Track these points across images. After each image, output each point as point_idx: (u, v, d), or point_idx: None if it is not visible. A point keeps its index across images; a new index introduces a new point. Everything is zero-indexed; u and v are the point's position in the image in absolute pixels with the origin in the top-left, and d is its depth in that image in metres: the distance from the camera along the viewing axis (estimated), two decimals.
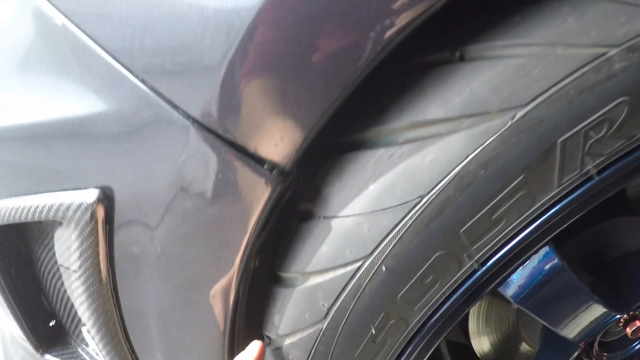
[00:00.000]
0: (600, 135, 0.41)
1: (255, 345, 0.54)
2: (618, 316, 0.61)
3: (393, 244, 0.43)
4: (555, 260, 0.51)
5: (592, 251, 0.68)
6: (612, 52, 0.39)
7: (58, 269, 0.61)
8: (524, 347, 0.80)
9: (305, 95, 0.41)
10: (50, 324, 0.73)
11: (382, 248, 0.44)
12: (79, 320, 0.66)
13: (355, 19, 0.38)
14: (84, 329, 0.67)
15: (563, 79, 0.39)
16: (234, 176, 0.44)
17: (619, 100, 0.40)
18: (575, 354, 0.64)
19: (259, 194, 0.44)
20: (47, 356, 0.69)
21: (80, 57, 0.47)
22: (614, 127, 0.41)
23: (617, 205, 0.71)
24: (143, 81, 0.44)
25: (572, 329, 0.59)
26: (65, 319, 0.67)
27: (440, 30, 0.43)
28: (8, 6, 0.53)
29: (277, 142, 0.43)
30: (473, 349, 0.81)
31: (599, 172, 0.43)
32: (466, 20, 0.43)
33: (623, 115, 0.41)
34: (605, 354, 0.70)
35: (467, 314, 0.77)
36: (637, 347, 0.72)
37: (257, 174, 0.44)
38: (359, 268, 0.45)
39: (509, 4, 0.41)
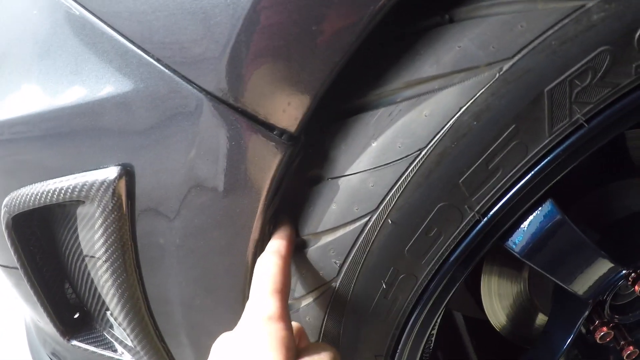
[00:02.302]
0: (586, 83, 0.46)
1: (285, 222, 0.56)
2: (624, 272, 0.64)
3: (397, 197, 0.48)
4: (557, 214, 0.56)
5: (599, 212, 0.73)
6: (590, 3, 0.44)
7: (82, 252, 0.66)
8: (541, 317, 0.84)
9: (307, 63, 0.46)
10: (75, 316, 0.78)
11: (387, 201, 0.48)
12: (103, 304, 0.72)
13: None
14: (108, 313, 0.72)
15: (545, 31, 0.44)
16: (246, 143, 0.49)
17: (600, 49, 0.45)
18: (586, 313, 0.68)
19: (271, 158, 0.49)
20: (74, 342, 0.74)
21: (98, 43, 0.53)
22: (598, 76, 0.46)
23: (621, 168, 0.75)
24: (158, 60, 0.49)
25: (580, 285, 0.63)
26: (90, 303, 0.72)
27: None
28: None
29: (285, 108, 0.48)
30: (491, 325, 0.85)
31: (587, 121, 0.48)
32: None
33: (606, 64, 0.45)
34: (617, 316, 0.74)
35: (480, 291, 0.82)
36: None
37: (268, 139, 0.49)
38: (366, 223, 0.50)
39: None
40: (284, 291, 0.49)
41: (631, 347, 0.73)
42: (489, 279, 0.80)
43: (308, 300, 0.57)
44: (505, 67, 0.45)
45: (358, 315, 0.56)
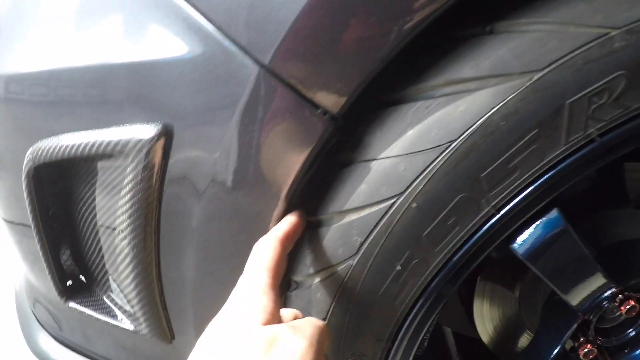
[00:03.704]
0: (602, 101, 0.55)
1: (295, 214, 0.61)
2: (613, 290, 0.74)
3: (424, 182, 0.56)
4: (561, 224, 0.65)
5: (594, 236, 0.82)
6: (614, 32, 0.53)
7: (98, 211, 0.72)
8: (527, 335, 0.92)
9: (360, 51, 0.55)
10: (68, 283, 0.83)
11: (415, 186, 0.57)
12: (106, 270, 0.77)
13: None
14: (111, 278, 0.77)
15: (573, 50, 0.53)
16: (292, 116, 0.57)
17: (618, 73, 0.54)
18: (575, 325, 0.77)
19: (311, 133, 0.57)
20: (71, 303, 0.79)
21: (160, 4, 0.60)
22: (614, 96, 0.55)
23: (617, 198, 0.86)
24: (219, 28, 0.57)
25: (575, 295, 0.71)
26: (95, 265, 0.77)
27: (476, 10, 0.58)
28: None
29: (332, 90, 0.56)
30: (480, 341, 0.93)
31: (600, 136, 0.57)
32: (497, 3, 0.57)
33: (621, 87, 0.55)
34: (600, 338, 0.83)
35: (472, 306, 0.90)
36: (630, 335, 0.85)
37: (311, 115, 0.57)
38: (392, 204, 0.58)
39: None
40: (276, 270, 0.55)
41: None
42: (482, 295, 0.89)
43: (323, 276, 0.64)
44: (536, 77, 0.54)
45: (368, 296, 0.63)
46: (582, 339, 0.80)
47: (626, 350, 0.85)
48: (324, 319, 0.66)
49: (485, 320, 0.90)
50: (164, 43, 0.59)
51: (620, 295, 0.76)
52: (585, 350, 0.79)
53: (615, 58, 0.54)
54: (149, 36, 0.60)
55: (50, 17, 0.67)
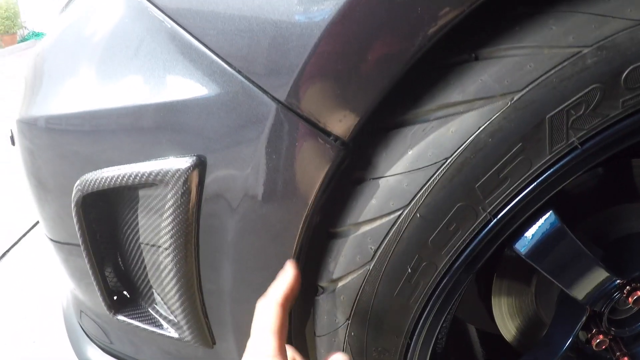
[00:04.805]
0: (580, 113, 0.67)
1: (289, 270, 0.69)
2: (619, 282, 0.85)
3: (426, 195, 0.69)
4: (557, 223, 0.77)
5: (602, 231, 0.94)
6: (586, 50, 0.65)
7: (141, 232, 0.87)
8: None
9: (362, 84, 0.67)
10: (115, 298, 0.99)
11: (417, 199, 0.69)
12: (150, 284, 0.92)
13: (398, 31, 0.66)
14: (154, 291, 0.92)
15: (548, 71, 0.65)
16: (306, 144, 0.70)
17: (592, 86, 0.65)
18: (584, 318, 0.89)
19: (325, 158, 0.70)
20: (119, 316, 0.95)
21: (186, 52, 0.74)
22: (591, 107, 0.67)
23: (625, 193, 0.96)
24: (239, 72, 0.71)
25: (579, 290, 0.83)
26: (140, 281, 0.93)
27: (463, 39, 0.71)
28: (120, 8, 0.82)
29: (341, 119, 0.69)
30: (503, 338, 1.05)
31: (581, 144, 0.69)
32: (480, 31, 0.70)
33: (597, 98, 0.67)
34: (614, 329, 0.94)
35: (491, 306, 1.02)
36: None
37: (324, 143, 0.70)
38: (399, 215, 0.71)
39: (510, 18, 0.68)
40: (282, 332, 0.65)
41: (626, 358, 0.94)
42: (499, 292, 1.01)
43: (344, 281, 0.77)
44: (516, 97, 0.66)
45: (385, 297, 0.76)
46: (594, 330, 0.91)
47: None
48: (347, 319, 0.80)
49: (505, 317, 1.02)
50: (193, 85, 0.74)
51: (628, 287, 0.88)
52: (598, 340, 0.90)
53: (589, 73, 0.65)
54: (179, 79, 0.75)
55: (89, 64, 0.82)
